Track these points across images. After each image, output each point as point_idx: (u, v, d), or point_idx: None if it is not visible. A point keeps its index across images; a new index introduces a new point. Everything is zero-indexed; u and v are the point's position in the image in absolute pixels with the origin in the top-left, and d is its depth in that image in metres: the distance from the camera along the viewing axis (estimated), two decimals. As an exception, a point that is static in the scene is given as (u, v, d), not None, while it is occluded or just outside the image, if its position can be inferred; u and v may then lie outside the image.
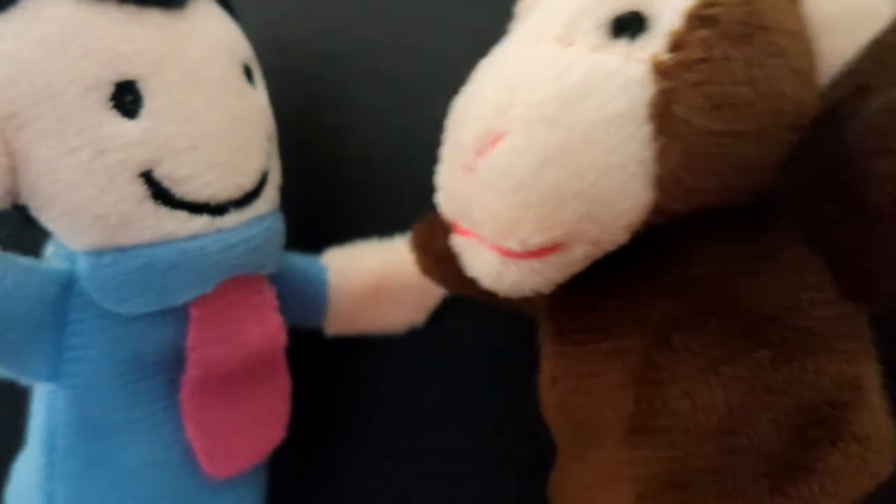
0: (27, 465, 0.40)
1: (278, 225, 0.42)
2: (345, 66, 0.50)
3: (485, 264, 0.31)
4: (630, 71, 0.28)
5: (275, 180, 0.42)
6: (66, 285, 0.37)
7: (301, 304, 0.45)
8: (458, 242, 0.33)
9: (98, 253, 0.35)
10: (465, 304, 0.49)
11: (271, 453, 0.44)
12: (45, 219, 0.36)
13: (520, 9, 0.36)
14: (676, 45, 0.28)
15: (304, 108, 0.51)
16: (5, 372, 0.37)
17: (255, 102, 0.40)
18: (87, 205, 0.34)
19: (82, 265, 0.36)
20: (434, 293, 0.49)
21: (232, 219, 0.38)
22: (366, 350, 0.50)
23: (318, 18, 0.51)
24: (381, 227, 0.49)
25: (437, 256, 0.41)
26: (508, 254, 0.30)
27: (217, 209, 0.37)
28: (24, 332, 0.35)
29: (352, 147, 0.51)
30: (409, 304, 0.49)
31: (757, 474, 0.29)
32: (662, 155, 0.28)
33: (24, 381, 0.38)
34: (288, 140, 0.44)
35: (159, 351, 0.38)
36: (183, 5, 0.37)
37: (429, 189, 0.49)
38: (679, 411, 0.30)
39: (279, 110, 0.44)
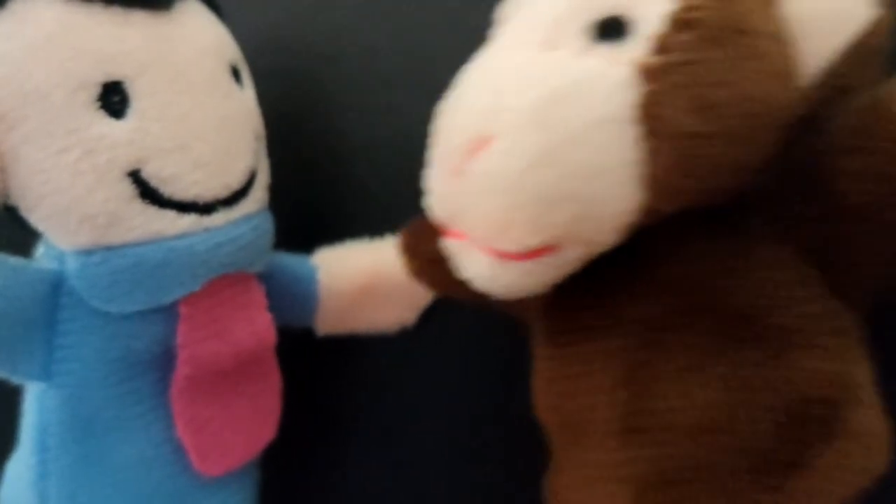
0: (20, 465, 0.40)
1: (267, 223, 0.42)
2: (341, 67, 0.50)
3: (478, 266, 0.31)
4: (615, 74, 0.28)
5: (263, 180, 0.42)
6: (56, 285, 0.37)
7: (291, 303, 0.46)
8: (450, 245, 0.33)
9: (87, 252, 0.36)
10: (455, 304, 0.50)
11: (262, 452, 0.44)
12: (35, 219, 0.36)
13: (500, 14, 0.36)
14: (660, 48, 0.28)
15: (299, 108, 0.51)
16: (-4, 371, 0.37)
17: (243, 103, 0.41)
18: (76, 204, 0.35)
19: (72, 264, 0.36)
20: (424, 293, 0.49)
21: (220, 217, 0.38)
22: (357, 349, 0.51)
23: (317, 19, 0.51)
24: (373, 227, 0.49)
25: (427, 259, 0.41)
26: (502, 255, 0.30)
27: (205, 208, 0.37)
28: (14, 332, 0.36)
29: (344, 147, 0.51)
30: (399, 303, 0.49)
31: (748, 471, 0.30)
32: (652, 157, 0.28)
33: (15, 379, 0.38)
34: (280, 140, 0.44)
35: (150, 349, 0.38)
36: (169, 7, 0.37)
37: (422, 190, 0.49)
38: (668, 410, 0.31)
39: (274, 110, 0.44)
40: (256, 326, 0.41)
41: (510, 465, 0.50)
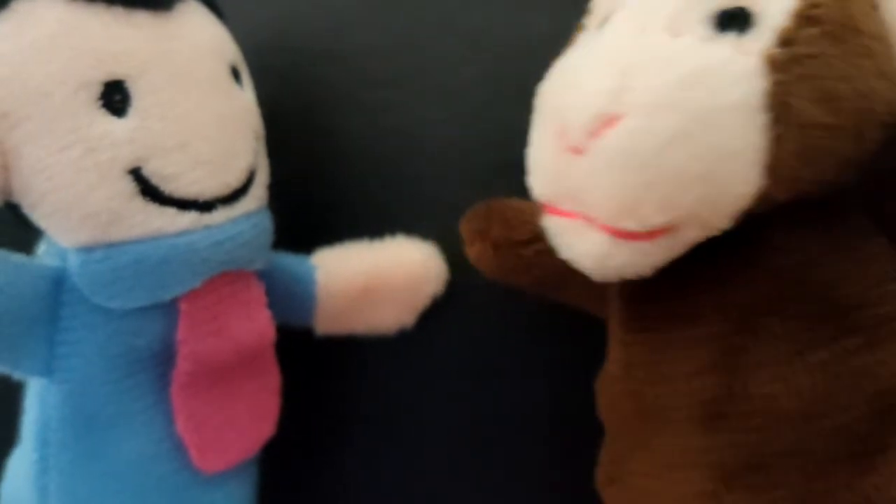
0: (21, 459, 0.40)
1: (266, 222, 0.43)
2: (342, 66, 0.51)
3: (591, 245, 0.32)
4: (743, 63, 0.29)
5: (262, 178, 0.42)
6: (58, 281, 0.37)
7: (289, 302, 0.46)
8: (554, 224, 0.34)
9: (89, 249, 0.36)
10: (453, 305, 0.50)
11: (262, 448, 0.44)
12: (37, 216, 0.36)
13: (595, 3, 0.38)
14: (785, 41, 0.29)
15: (300, 107, 0.52)
16: (-2, 367, 0.37)
17: (242, 102, 0.41)
18: (78, 202, 0.35)
19: (73, 261, 0.37)
20: (423, 295, 0.49)
21: (220, 215, 0.39)
22: (356, 349, 0.51)
23: (317, 19, 0.51)
24: (374, 227, 0.50)
25: (495, 244, 0.42)
26: (621, 234, 0.31)
27: (205, 206, 0.38)
28: (16, 328, 0.36)
29: (345, 147, 0.51)
30: (397, 305, 0.49)
31: (839, 455, 0.31)
32: (776, 144, 0.29)
33: (17, 375, 0.38)
34: (286, 139, 0.45)
35: (150, 346, 0.39)
36: (170, 7, 0.38)
37: (423, 189, 0.50)
38: (765, 395, 0.31)
39: (276, 110, 0.44)
40: (256, 324, 0.42)
41: (510, 465, 0.50)
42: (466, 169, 0.49)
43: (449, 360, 0.51)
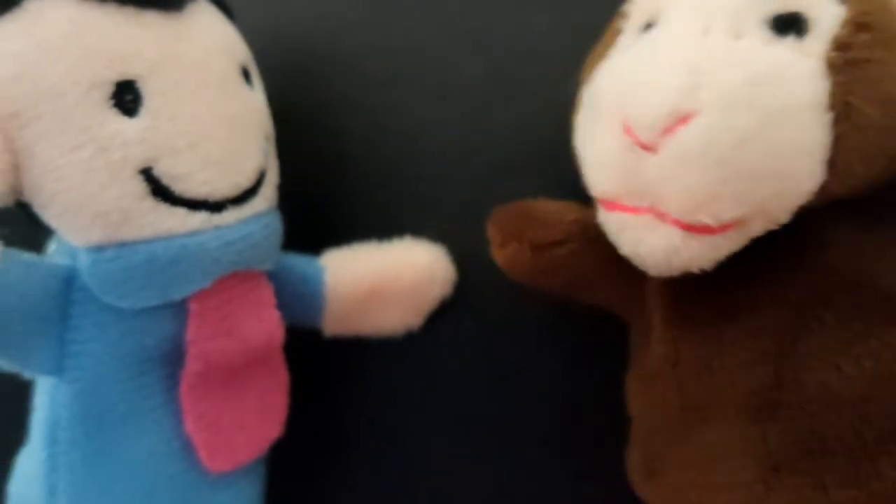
0: (30, 458, 0.40)
1: (276, 222, 0.43)
2: (347, 67, 0.51)
3: (663, 240, 0.33)
4: (805, 65, 0.31)
5: (272, 179, 0.42)
6: (68, 280, 0.37)
7: (297, 303, 0.46)
8: (618, 220, 0.35)
9: (99, 249, 0.36)
10: (460, 307, 0.50)
11: (270, 449, 0.44)
12: (48, 216, 0.36)
13: (631, 8, 0.39)
14: (843, 45, 0.31)
15: (306, 108, 0.52)
16: (9, 365, 0.37)
17: (253, 103, 0.41)
18: (89, 201, 0.35)
19: (83, 261, 0.37)
20: (431, 297, 0.49)
21: (230, 216, 0.39)
22: (364, 350, 0.51)
23: (322, 19, 0.51)
24: (382, 227, 0.50)
25: (532, 245, 0.42)
26: (693, 229, 0.32)
27: (215, 206, 0.38)
28: (26, 326, 0.36)
29: (352, 148, 0.51)
30: (405, 307, 0.49)
31: (886, 438, 0.32)
32: (839, 141, 0.31)
33: (27, 374, 0.39)
34: (289, 140, 0.45)
35: (160, 345, 0.39)
36: (181, 8, 0.38)
37: (423, 189, 0.50)
38: (817, 384, 0.33)
39: (281, 111, 0.44)
40: (265, 324, 0.42)
41: (518, 465, 0.50)
42: (467, 169, 0.49)
43: (456, 362, 0.51)
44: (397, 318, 0.49)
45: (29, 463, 0.41)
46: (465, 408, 0.51)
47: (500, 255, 0.43)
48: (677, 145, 0.31)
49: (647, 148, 0.32)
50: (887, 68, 0.31)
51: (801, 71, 0.31)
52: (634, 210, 0.33)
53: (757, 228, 0.32)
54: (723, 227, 0.32)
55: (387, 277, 0.48)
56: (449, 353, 0.51)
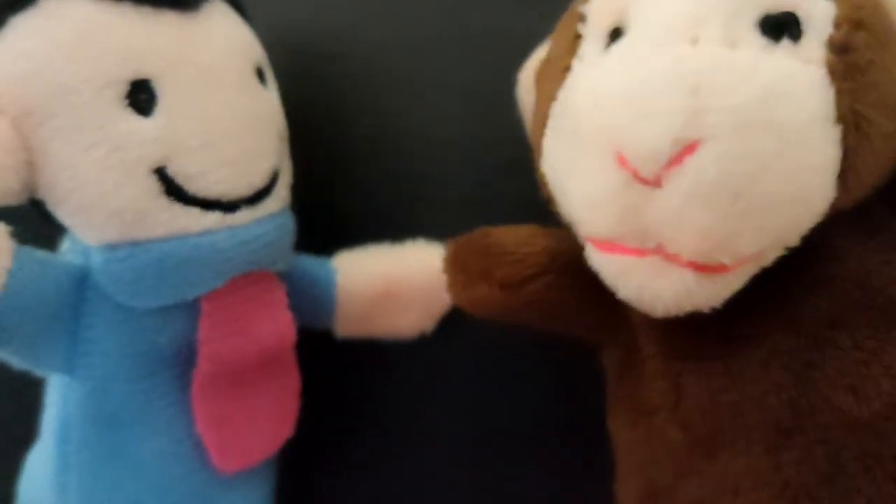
0: (41, 457, 0.41)
1: (289, 223, 0.43)
2: (357, 69, 0.51)
3: (673, 283, 0.29)
4: (810, 73, 0.28)
5: (286, 179, 0.42)
6: (81, 279, 0.37)
7: (309, 305, 0.46)
8: (615, 263, 0.31)
9: (112, 247, 0.36)
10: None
11: (281, 449, 0.44)
12: (61, 214, 0.36)
13: (590, 10, 0.34)
14: (842, 47, 0.28)
15: (317, 110, 0.52)
16: (21, 363, 0.37)
17: (267, 103, 0.41)
18: (103, 200, 0.35)
19: (97, 259, 0.37)
20: (444, 301, 0.49)
21: (244, 216, 0.38)
22: (376, 352, 0.51)
23: (331, 21, 0.51)
24: (394, 229, 0.49)
25: (502, 284, 0.38)
26: (708, 269, 0.29)
27: (229, 206, 0.38)
28: (39, 324, 0.36)
29: (364, 150, 0.51)
30: (418, 310, 0.49)
31: None
32: (850, 154, 0.28)
33: (39, 372, 0.39)
34: (299, 142, 0.45)
35: (172, 345, 0.39)
36: (197, 7, 0.38)
37: (442, 193, 0.50)
38: (835, 408, 0.30)
39: (291, 112, 0.44)
40: (277, 324, 0.42)
41: (527, 469, 0.50)
42: (471, 169, 0.49)
43: (468, 365, 0.50)
44: (410, 321, 0.49)
45: (40, 461, 0.41)
46: (478, 410, 0.50)
47: (464, 296, 0.40)
48: (687, 179, 0.27)
49: (650, 183, 0.28)
50: (888, 70, 0.28)
51: (807, 81, 0.27)
52: (638, 252, 0.30)
53: (770, 258, 0.30)
54: (739, 263, 0.29)
55: (399, 280, 0.47)
56: (461, 356, 0.50)
